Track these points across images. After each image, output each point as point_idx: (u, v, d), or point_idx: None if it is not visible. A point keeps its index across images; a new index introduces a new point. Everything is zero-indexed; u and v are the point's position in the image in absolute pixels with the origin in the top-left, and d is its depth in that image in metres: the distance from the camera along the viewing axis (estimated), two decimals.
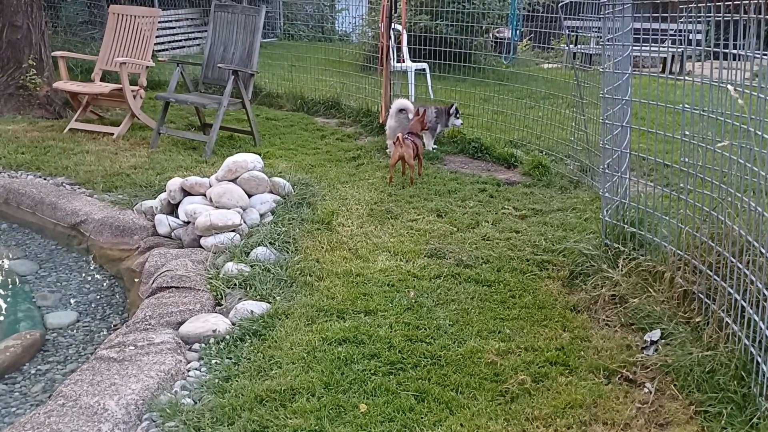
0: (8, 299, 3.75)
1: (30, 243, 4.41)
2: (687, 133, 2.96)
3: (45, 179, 5.21)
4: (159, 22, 7.13)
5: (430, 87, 7.90)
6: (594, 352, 2.87)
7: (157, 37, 7.26)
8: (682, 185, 3.12)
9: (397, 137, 5.12)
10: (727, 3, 2.72)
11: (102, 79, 6.87)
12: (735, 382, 2.43)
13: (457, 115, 6.14)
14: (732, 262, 2.65)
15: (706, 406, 2.43)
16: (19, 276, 3.95)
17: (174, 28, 11.64)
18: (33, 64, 7.13)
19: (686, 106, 2.96)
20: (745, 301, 2.53)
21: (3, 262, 4.19)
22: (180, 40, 11.67)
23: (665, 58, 8.73)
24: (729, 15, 2.73)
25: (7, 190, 4.95)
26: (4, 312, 3.60)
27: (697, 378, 2.54)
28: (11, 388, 2.85)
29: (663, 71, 7.58)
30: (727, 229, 2.77)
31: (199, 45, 11.47)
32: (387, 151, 6.06)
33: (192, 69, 7.12)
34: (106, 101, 6.81)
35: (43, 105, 7.26)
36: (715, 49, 2.89)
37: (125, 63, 6.33)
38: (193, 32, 11.89)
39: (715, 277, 2.78)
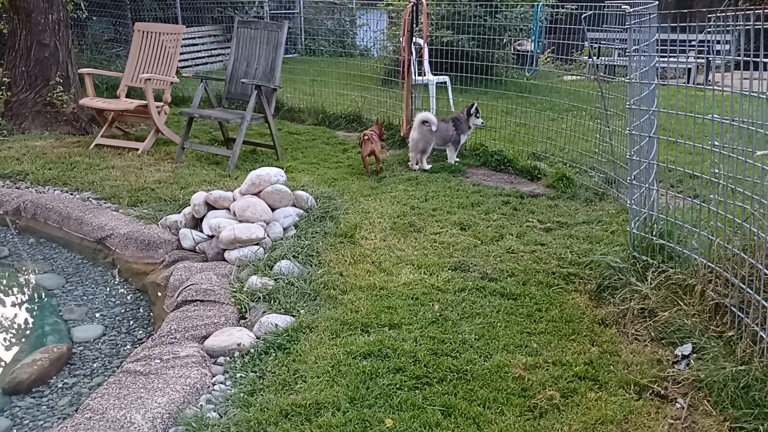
0: (36, 313, 3.79)
1: (57, 257, 4.46)
2: (717, 143, 2.91)
3: (72, 194, 5.28)
4: (183, 39, 7.23)
5: (451, 100, 7.90)
6: (624, 367, 2.82)
7: (181, 53, 7.36)
8: (711, 196, 3.06)
9: (367, 135, 5.77)
10: (756, 11, 2.68)
11: (127, 96, 6.97)
12: None
13: (478, 114, 6.11)
14: (766, 274, 2.59)
15: (742, 423, 2.37)
16: (46, 290, 4.00)
17: (198, 44, 11.80)
18: (60, 81, 7.27)
19: (716, 116, 2.92)
20: None
21: (31, 276, 4.24)
22: (203, 57, 11.82)
23: (690, 69, 8.64)
24: (758, 24, 2.69)
25: (35, 205, 5.02)
26: (31, 326, 3.64)
27: (732, 393, 2.48)
28: (39, 402, 2.87)
29: (688, 82, 7.50)
30: (759, 241, 2.71)
31: (222, 61, 11.61)
32: (408, 163, 6.06)
33: (215, 84, 7.19)
34: (131, 117, 6.91)
35: (69, 121, 7.38)
36: (744, 59, 2.84)
37: (150, 79, 6.42)
38: (216, 48, 12.04)
39: (748, 290, 2.71)
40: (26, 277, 4.26)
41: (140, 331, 3.51)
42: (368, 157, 5.84)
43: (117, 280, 4.17)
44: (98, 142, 6.58)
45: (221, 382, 2.76)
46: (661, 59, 4.16)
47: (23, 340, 3.51)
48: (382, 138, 6.39)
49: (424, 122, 5.84)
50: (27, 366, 3.05)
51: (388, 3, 10.73)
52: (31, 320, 3.71)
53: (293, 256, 3.86)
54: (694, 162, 3.47)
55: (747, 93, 2.75)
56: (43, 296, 3.94)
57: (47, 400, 2.88)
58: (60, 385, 2.99)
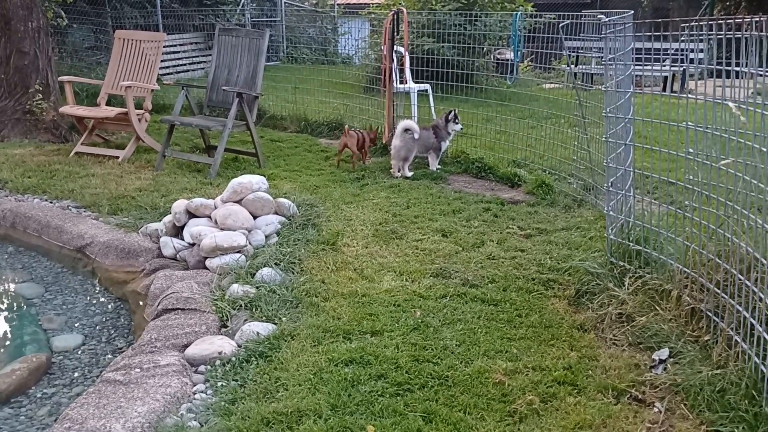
0: (14, 322, 3.75)
1: (36, 266, 4.42)
2: (691, 150, 2.97)
3: (51, 203, 5.23)
4: (164, 46, 7.21)
5: (432, 108, 7.94)
6: (602, 372, 2.85)
7: (162, 61, 7.34)
8: (687, 203, 3.12)
9: (344, 129, 6.23)
10: (728, 21, 2.74)
11: (107, 103, 6.94)
12: (746, 401, 2.41)
13: (456, 120, 6.13)
14: (740, 279, 2.64)
15: (718, 426, 2.40)
16: (25, 299, 3.95)
17: (179, 52, 11.76)
18: (40, 89, 7.21)
19: (689, 123, 2.97)
20: (755, 319, 2.51)
21: (9, 285, 4.19)
22: (185, 64, 11.78)
23: (666, 77, 8.78)
24: (730, 33, 2.75)
25: (14, 214, 4.97)
26: (10, 335, 3.60)
27: (708, 397, 2.52)
28: (17, 412, 2.84)
29: (664, 90, 7.62)
30: (733, 247, 2.76)
31: (203, 68, 11.59)
32: (390, 171, 6.09)
33: (197, 92, 7.17)
34: (111, 125, 6.87)
35: (49, 129, 7.32)
36: (718, 67, 2.91)
37: (130, 87, 6.39)
38: (197, 56, 12.01)
39: (723, 294, 2.77)
40: (5, 286, 4.21)
41: (120, 340, 3.48)
42: (342, 151, 6.28)
43: (97, 288, 4.14)
44: (78, 150, 6.53)
45: (202, 391, 2.75)
46: (637, 68, 4.23)
47: (1, 350, 3.46)
48: (374, 143, 6.59)
49: (406, 130, 5.88)
50: (5, 376, 3.02)
51: (370, 11, 10.78)
52: (9, 330, 3.66)
53: (275, 264, 3.86)
54: (669, 169, 3.53)
55: (721, 101, 2.81)
56: (22, 305, 3.90)
57: (26, 411, 2.85)
58: (39, 395, 2.96)
